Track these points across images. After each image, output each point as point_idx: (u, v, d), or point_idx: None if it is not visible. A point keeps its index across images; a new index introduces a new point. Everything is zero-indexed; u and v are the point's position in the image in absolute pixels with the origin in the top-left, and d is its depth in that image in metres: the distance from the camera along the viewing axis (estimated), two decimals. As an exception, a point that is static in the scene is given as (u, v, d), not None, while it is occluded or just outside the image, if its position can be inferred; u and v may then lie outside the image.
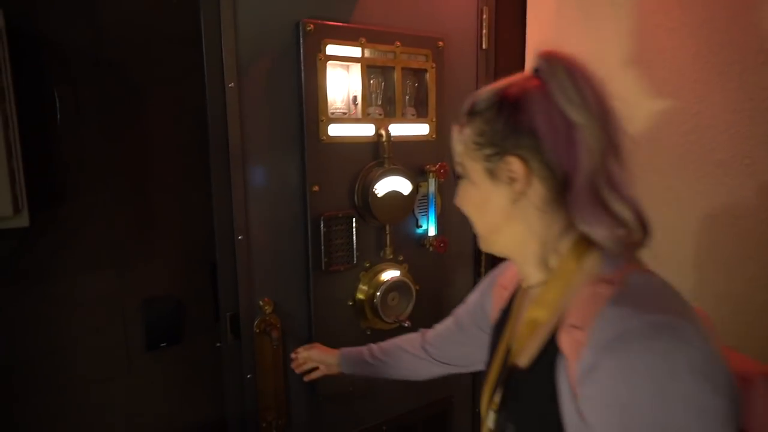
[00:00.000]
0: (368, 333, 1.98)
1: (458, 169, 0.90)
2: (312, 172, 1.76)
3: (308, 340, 1.87)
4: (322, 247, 1.79)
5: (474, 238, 2.19)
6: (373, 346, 1.54)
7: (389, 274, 1.95)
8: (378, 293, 1.90)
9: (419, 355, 1.47)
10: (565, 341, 0.72)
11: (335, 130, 1.78)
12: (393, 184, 1.87)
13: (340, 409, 2.00)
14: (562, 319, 0.75)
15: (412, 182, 1.92)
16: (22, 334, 1.51)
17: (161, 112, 1.65)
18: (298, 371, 1.65)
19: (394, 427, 2.13)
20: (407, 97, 1.98)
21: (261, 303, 1.77)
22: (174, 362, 1.73)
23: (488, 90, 0.84)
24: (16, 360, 1.50)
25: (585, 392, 0.68)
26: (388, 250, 1.94)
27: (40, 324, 1.52)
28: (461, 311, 1.35)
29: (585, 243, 0.78)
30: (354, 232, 1.85)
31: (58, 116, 1.47)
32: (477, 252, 2.26)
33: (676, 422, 0.60)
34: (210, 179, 1.65)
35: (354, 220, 1.84)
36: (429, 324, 1.72)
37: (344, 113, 1.84)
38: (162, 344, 1.66)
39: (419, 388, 2.18)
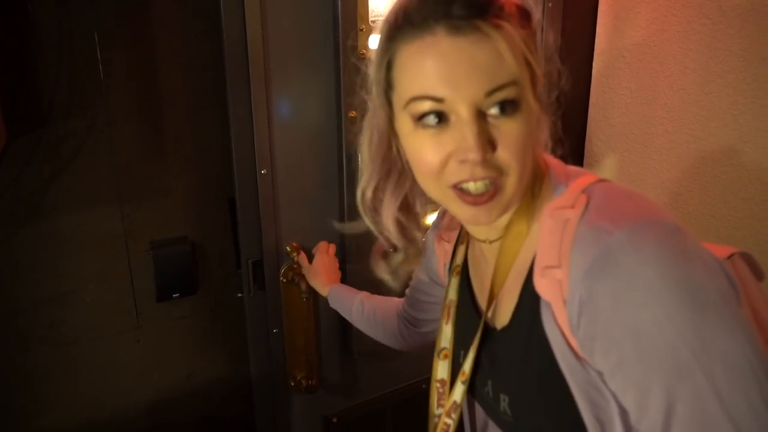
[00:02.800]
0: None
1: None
2: (349, 95, 1.46)
3: (342, 290, 1.64)
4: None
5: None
6: (366, 301, 1.33)
7: (434, 217, 1.67)
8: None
9: (398, 324, 1.22)
10: (543, 286, 0.64)
11: (377, 43, 1.46)
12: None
13: (375, 366, 1.79)
14: (535, 263, 0.66)
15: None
16: (11, 282, 1.29)
17: (167, 17, 1.35)
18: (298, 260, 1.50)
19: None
20: (462, 5, 1.63)
21: (288, 248, 1.52)
22: (189, 315, 1.51)
23: None
24: (7, 310, 1.29)
25: (584, 333, 0.59)
26: (435, 190, 1.66)
27: (31, 270, 1.30)
28: (417, 270, 1.12)
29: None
30: (397, 168, 1.56)
31: (30, 7, 1.18)
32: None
33: (697, 325, 0.52)
34: (227, 102, 1.37)
35: (397, 153, 1.55)
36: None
37: (388, 22, 1.52)
38: (174, 294, 1.42)
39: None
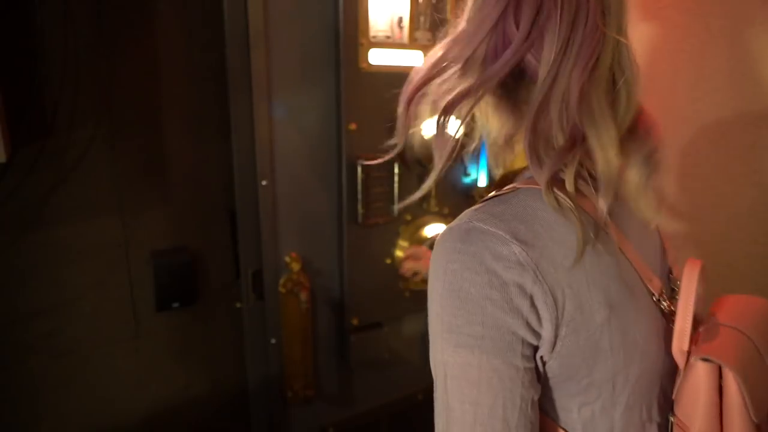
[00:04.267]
0: (407, 295, 1.74)
1: None
2: (349, 107, 1.49)
3: (340, 301, 1.65)
4: (359, 196, 1.53)
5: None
6: None
7: (433, 229, 1.69)
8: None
9: None
10: None
11: (377, 57, 1.49)
12: (442, 125, 1.59)
13: (372, 377, 1.79)
14: None
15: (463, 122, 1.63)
16: (10, 290, 1.28)
17: (170, 30, 1.36)
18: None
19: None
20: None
21: (288, 259, 1.53)
22: (188, 325, 1.51)
23: None
24: (5, 320, 1.29)
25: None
26: (433, 202, 1.68)
27: (30, 279, 1.30)
28: None
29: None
30: (396, 180, 1.58)
31: (39, 19, 1.19)
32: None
33: (454, 317, 0.60)
34: (229, 113, 1.38)
35: (396, 165, 1.57)
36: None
37: (388, 37, 1.55)
38: (174, 304, 1.42)
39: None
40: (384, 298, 1.70)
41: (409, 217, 1.69)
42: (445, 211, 1.75)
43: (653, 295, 0.69)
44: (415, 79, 0.74)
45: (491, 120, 0.75)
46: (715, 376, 0.62)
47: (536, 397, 0.62)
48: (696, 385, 0.63)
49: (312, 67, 1.46)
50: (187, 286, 1.44)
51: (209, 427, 1.61)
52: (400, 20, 1.55)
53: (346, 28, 1.44)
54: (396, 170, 1.58)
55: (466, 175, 1.77)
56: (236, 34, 1.35)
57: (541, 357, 0.62)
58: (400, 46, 1.55)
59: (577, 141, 0.62)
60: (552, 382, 0.65)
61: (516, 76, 0.67)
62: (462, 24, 0.72)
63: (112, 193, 1.35)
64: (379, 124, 1.55)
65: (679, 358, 0.65)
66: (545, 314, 0.59)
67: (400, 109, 0.75)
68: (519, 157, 0.75)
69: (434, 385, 0.64)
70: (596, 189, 0.64)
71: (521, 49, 0.64)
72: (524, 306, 0.59)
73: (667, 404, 0.69)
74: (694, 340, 0.65)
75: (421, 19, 1.59)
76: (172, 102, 1.39)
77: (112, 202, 1.35)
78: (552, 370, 0.63)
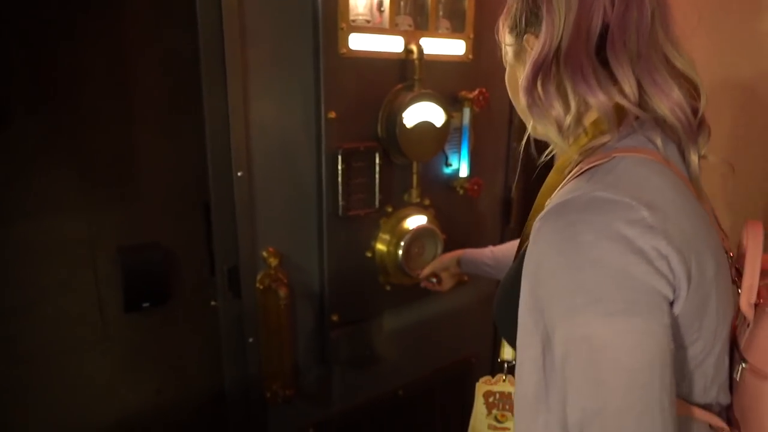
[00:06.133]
0: (387, 289, 1.69)
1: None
2: (328, 95, 1.42)
3: (320, 297, 1.59)
4: (340, 188, 1.47)
5: (507, 180, 1.90)
6: (494, 247, 1.47)
7: (414, 221, 1.65)
8: (402, 243, 1.60)
9: None
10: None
11: (357, 42, 1.43)
12: (424, 113, 1.54)
13: (352, 375, 1.74)
14: None
15: (445, 111, 1.59)
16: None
17: (139, 16, 1.27)
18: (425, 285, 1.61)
19: (411, 392, 1.90)
20: (441, 6, 1.62)
21: (265, 254, 1.46)
22: (159, 326, 1.43)
23: None
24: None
25: (527, 258, 0.69)
26: (414, 193, 1.63)
27: (-13, 280, 1.20)
28: None
29: (593, 133, 0.73)
30: (377, 170, 1.53)
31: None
32: (509, 197, 1.96)
33: (599, 287, 0.60)
34: (202, 102, 1.30)
35: (377, 155, 1.52)
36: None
37: (368, 21, 1.49)
38: (144, 304, 1.34)
39: (438, 349, 1.94)
40: (364, 293, 1.65)
41: (390, 209, 1.63)
42: (426, 202, 1.70)
43: (728, 253, 0.75)
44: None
45: (570, 95, 0.72)
46: None
47: None
48: None
49: (289, 52, 1.39)
50: (158, 284, 1.36)
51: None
52: (380, 3, 1.50)
53: (325, 11, 1.37)
54: (377, 160, 1.52)
55: (447, 165, 1.73)
56: (209, 18, 1.26)
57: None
58: (381, 31, 1.49)
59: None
60: None
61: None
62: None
63: (76, 186, 1.25)
64: (359, 112, 1.50)
65: (749, 311, 0.70)
66: (679, 274, 0.62)
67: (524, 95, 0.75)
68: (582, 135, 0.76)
69: (545, 366, 0.68)
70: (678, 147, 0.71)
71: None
72: (664, 267, 0.61)
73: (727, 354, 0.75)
74: (760, 294, 0.71)
75: (402, 3, 1.54)
76: (140, 91, 1.30)
77: (75, 196, 1.26)
78: (673, 326, 0.64)
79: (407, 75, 1.54)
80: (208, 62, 1.29)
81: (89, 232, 1.29)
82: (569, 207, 0.63)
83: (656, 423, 0.59)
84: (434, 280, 1.60)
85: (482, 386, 1.11)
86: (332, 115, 1.44)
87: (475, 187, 1.74)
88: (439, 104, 1.57)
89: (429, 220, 1.68)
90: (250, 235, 1.43)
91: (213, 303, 1.48)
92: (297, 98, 1.43)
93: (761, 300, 0.70)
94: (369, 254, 1.63)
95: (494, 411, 1.09)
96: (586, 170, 0.68)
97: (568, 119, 0.72)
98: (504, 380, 1.09)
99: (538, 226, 0.66)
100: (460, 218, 1.81)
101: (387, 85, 1.53)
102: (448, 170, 1.74)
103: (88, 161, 1.27)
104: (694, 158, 0.72)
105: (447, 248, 1.69)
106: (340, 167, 1.46)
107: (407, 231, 1.63)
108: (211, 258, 1.43)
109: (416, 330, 1.86)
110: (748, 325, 0.71)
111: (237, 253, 1.42)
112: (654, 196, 0.63)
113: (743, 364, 0.71)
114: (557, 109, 0.72)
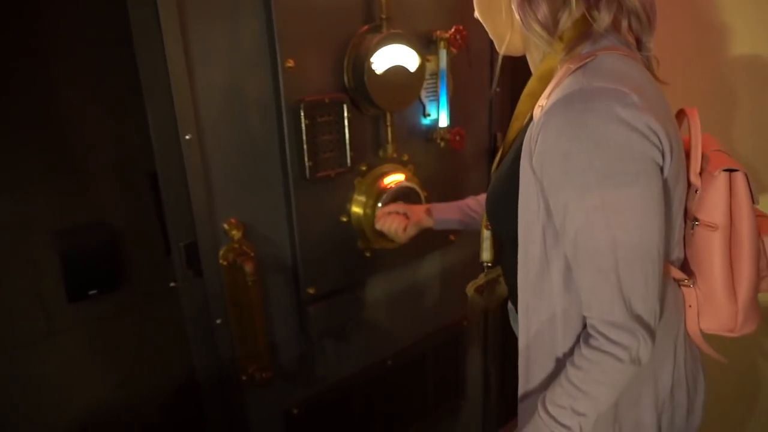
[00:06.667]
0: (367, 255, 1.55)
1: None
2: (284, 40, 1.24)
3: (293, 268, 1.45)
4: (305, 146, 1.31)
5: (491, 129, 1.74)
6: (468, 199, 1.35)
7: (392, 179, 1.50)
8: (379, 204, 1.46)
9: None
10: (536, 109, 0.80)
11: (313, -24, 1.24)
12: (395, 57, 1.37)
13: (336, 349, 1.62)
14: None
15: (419, 54, 1.42)
16: None
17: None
18: (381, 227, 1.37)
19: (401, 360, 1.78)
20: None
21: (226, 226, 1.31)
22: (112, 314, 1.28)
23: None
24: None
25: (538, 148, 0.77)
26: (390, 148, 1.48)
27: None
28: None
29: (577, 31, 0.82)
30: (346, 124, 1.36)
31: None
32: (494, 147, 1.81)
33: (608, 163, 0.72)
34: (135, 51, 1.12)
35: (345, 107, 1.35)
36: (441, 244, 1.51)
37: (324, -49, 1.29)
38: (91, 291, 1.19)
39: (427, 315, 1.82)
40: (342, 261, 1.51)
41: (364, 168, 1.48)
42: (404, 157, 1.55)
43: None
44: None
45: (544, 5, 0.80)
46: (728, 182, 0.83)
47: None
48: (718, 191, 0.83)
49: (235, -9, 1.20)
50: (105, 269, 1.20)
51: (157, 425, 1.40)
52: (337, -69, 1.30)
53: (272, -61, 1.18)
54: (346, 113, 1.35)
55: (425, 115, 1.57)
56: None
57: None
58: (340, -38, 1.30)
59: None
60: None
61: None
62: None
63: (0, 164, 1.08)
64: (322, 59, 1.32)
65: (696, 179, 0.86)
66: (665, 144, 0.75)
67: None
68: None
69: (573, 239, 0.77)
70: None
71: None
72: (656, 140, 0.73)
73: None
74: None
75: (362, -71, 1.34)
76: (66, 51, 1.11)
77: (1, 175, 1.08)
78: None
79: (374, 14, 1.36)
80: (137, 10, 1.10)
81: (22, 214, 1.12)
82: (575, 98, 0.73)
83: (657, 267, 0.76)
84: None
85: (472, 287, 1.24)
86: (290, 63, 1.26)
87: (457, 138, 1.59)
88: (411, 46, 1.39)
89: (408, 178, 1.53)
90: (206, 206, 1.27)
91: (173, 284, 1.32)
92: (248, 45, 1.25)
93: (705, 168, 0.86)
94: (344, 219, 1.48)
95: (485, 293, 1.25)
96: (575, 69, 0.76)
97: (564, 16, 0.80)
98: (484, 274, 1.23)
99: (545, 119, 0.75)
100: (443, 173, 1.66)
101: (351, 26, 1.35)
102: (426, 121, 1.58)
103: (15, 134, 1.08)
104: (651, 46, 0.84)
105: (430, 207, 1.55)
106: (303, 123, 1.29)
107: (385, 190, 1.48)
108: (165, 234, 1.27)
109: (402, 296, 1.73)
110: (696, 191, 0.85)
111: (193, 228, 1.26)
112: (636, 84, 0.75)
113: (696, 223, 0.86)
114: (543, 10, 0.79)
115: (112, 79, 1.16)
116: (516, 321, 0.98)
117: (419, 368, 1.86)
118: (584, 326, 0.83)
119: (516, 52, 0.92)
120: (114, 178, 1.22)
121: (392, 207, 1.38)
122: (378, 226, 1.38)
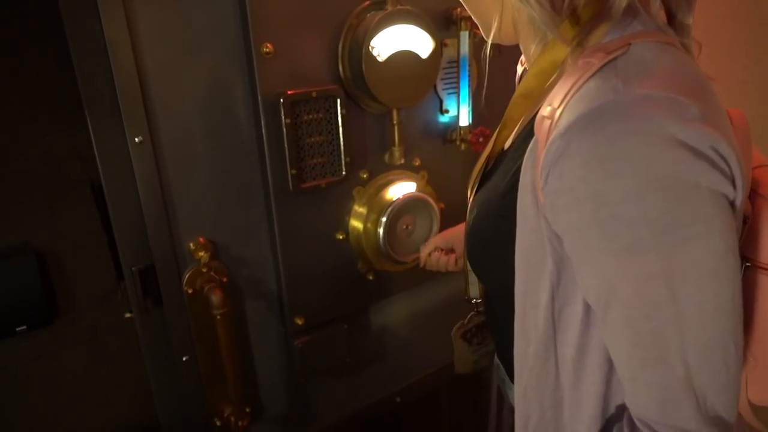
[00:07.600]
0: (370, 278, 1.30)
1: None
2: (259, 19, 1.00)
3: (277, 294, 1.21)
4: (286, 151, 1.06)
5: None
6: None
7: (400, 189, 1.24)
8: (383, 219, 1.20)
9: None
10: (539, 121, 0.58)
11: (296, -62, 0.99)
12: (403, 40, 1.11)
13: (332, 387, 1.39)
14: (547, 99, 0.60)
15: (434, 37, 1.15)
16: None
17: None
18: (430, 269, 1.18)
19: (411, 397, 1.54)
20: None
21: (192, 246, 1.08)
22: (47, 353, 1.06)
23: None
24: None
25: (551, 187, 0.55)
26: (397, 151, 1.22)
27: None
28: None
29: (594, 7, 0.60)
30: (340, 123, 1.11)
31: None
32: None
33: (667, 211, 0.50)
34: (64, 29, 0.89)
35: (338, 102, 1.09)
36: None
37: None
38: (19, 328, 0.97)
39: (440, 345, 1.55)
40: (338, 286, 1.27)
41: (365, 175, 1.22)
42: (416, 162, 1.29)
43: None
44: None
45: None
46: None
47: None
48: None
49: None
50: (36, 299, 0.98)
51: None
52: None
53: None
54: (339, 110, 1.10)
55: (444, 112, 1.30)
56: None
57: None
58: None
59: None
60: None
61: None
62: None
63: None
64: (309, 42, 1.07)
65: (746, 205, 0.64)
66: (737, 174, 0.52)
67: None
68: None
69: (618, 319, 0.55)
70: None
71: None
72: (724, 167, 0.51)
73: None
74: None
75: None
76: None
77: None
78: None
79: (376, -14, 1.10)
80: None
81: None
82: (609, 113, 0.51)
83: (738, 344, 0.54)
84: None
85: (458, 332, 1.05)
86: (268, 48, 1.01)
87: (481, 140, 1.32)
88: (423, 27, 1.12)
89: (420, 187, 1.27)
90: (165, 223, 1.04)
91: (128, 315, 1.11)
92: (216, 24, 1.00)
93: (757, 191, 0.64)
94: (340, 236, 1.23)
95: (474, 340, 1.05)
96: (602, 66, 0.54)
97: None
98: (474, 315, 1.05)
99: (563, 144, 0.52)
100: (463, 181, 1.39)
101: (348, 1, 1.09)
102: (443, 118, 1.31)
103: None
104: (690, 24, 0.63)
105: (446, 222, 1.28)
106: (284, 122, 1.04)
107: (390, 202, 1.22)
108: (116, 257, 1.05)
109: (410, 324, 1.48)
110: (745, 221, 0.64)
111: (149, 249, 1.03)
112: (693, 87, 0.53)
113: (747, 264, 0.64)
114: None
115: (41, 71, 0.93)
116: (505, 384, 0.86)
117: (433, 405, 1.61)
118: (603, 411, 0.63)
119: (510, 39, 0.72)
120: (48, 191, 0.99)
121: (431, 245, 1.15)
122: (427, 268, 1.17)
